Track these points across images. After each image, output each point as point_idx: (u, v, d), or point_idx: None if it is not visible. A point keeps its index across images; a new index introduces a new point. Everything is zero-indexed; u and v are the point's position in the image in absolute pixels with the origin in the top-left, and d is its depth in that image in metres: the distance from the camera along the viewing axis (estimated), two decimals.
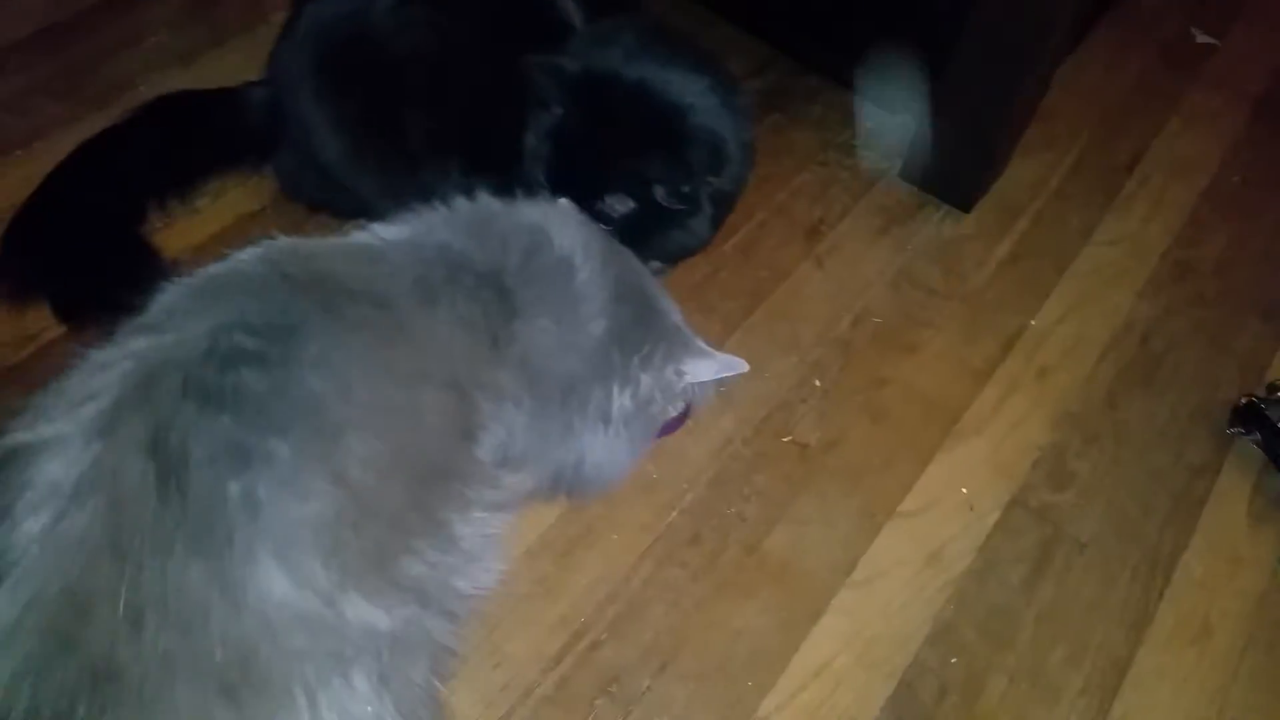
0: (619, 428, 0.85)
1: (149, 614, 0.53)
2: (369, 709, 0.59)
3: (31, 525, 0.55)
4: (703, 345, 0.90)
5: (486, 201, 0.85)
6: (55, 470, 0.56)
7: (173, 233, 1.18)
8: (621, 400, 0.84)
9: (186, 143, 1.16)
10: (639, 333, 0.85)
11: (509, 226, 0.83)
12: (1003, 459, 1.13)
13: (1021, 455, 1.13)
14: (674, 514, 1.04)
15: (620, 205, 0.97)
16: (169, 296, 0.67)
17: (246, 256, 0.70)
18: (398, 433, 0.64)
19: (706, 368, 0.89)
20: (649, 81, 0.96)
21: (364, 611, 0.59)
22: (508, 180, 0.99)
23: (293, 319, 0.62)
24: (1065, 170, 1.47)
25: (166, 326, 0.62)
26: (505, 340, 0.76)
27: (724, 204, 1.06)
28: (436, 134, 1.05)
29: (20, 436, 0.58)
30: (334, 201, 1.19)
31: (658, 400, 0.88)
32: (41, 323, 1.09)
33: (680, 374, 0.88)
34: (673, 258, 1.12)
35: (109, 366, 0.60)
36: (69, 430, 0.57)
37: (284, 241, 0.74)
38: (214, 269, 0.69)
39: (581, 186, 0.96)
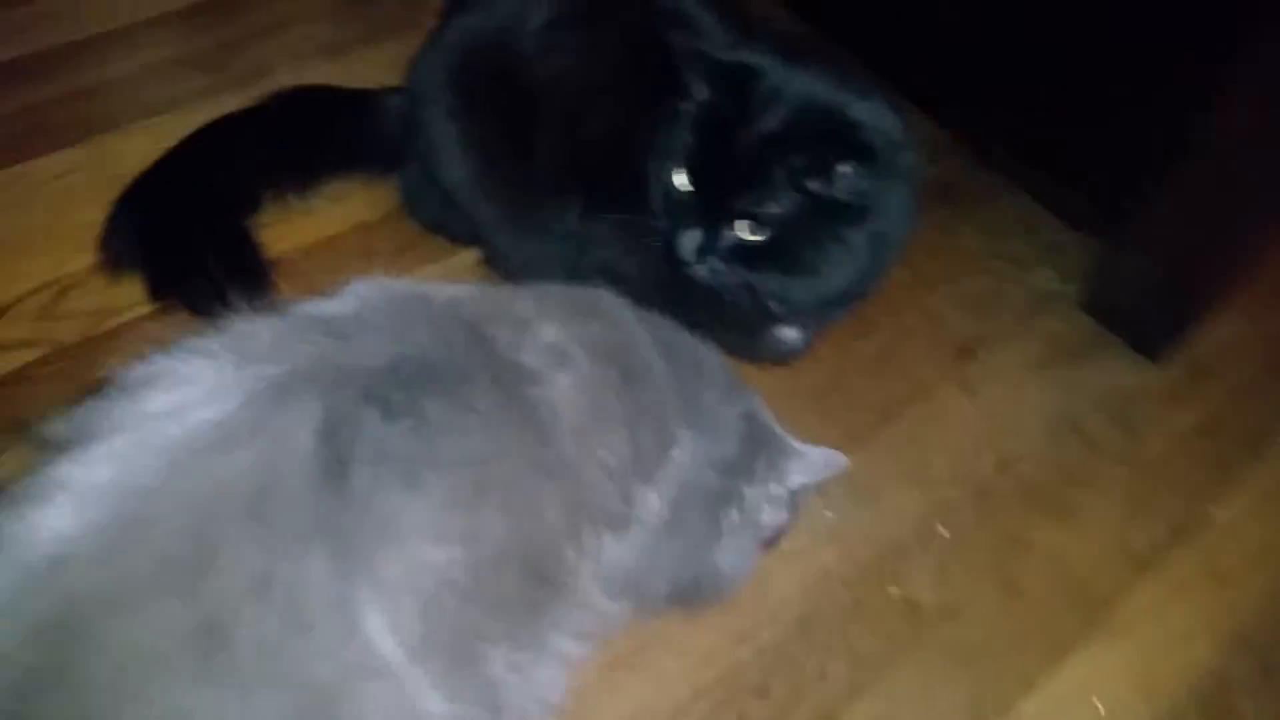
0: (728, 541, 0.80)
1: (273, 591, 0.49)
2: None
3: (166, 428, 0.53)
4: (795, 443, 0.84)
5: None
6: (205, 407, 0.54)
7: (283, 230, 1.12)
8: (730, 517, 0.80)
9: (314, 139, 1.11)
10: (742, 454, 0.81)
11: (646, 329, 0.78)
12: (1153, 674, 0.93)
13: (1177, 675, 0.93)
14: (744, 650, 0.89)
15: (777, 204, 0.84)
16: (351, 304, 0.66)
17: (439, 293, 0.71)
18: (522, 519, 0.62)
19: (805, 470, 0.84)
20: (807, 78, 0.85)
21: (424, 691, 0.55)
22: (630, 221, 0.91)
23: (468, 369, 0.62)
24: (1275, 339, 1.25)
25: (351, 332, 0.62)
26: (658, 452, 0.73)
27: (886, 242, 0.91)
28: (565, 166, 0.95)
29: (166, 363, 0.58)
30: (450, 225, 1.11)
31: (765, 510, 0.83)
32: (133, 298, 1.04)
33: (782, 483, 0.83)
34: (819, 298, 0.94)
35: (283, 344, 0.60)
36: (229, 376, 0.56)
37: (476, 290, 0.75)
38: (401, 289, 0.70)
39: (729, 182, 0.84)
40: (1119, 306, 1.20)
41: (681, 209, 0.87)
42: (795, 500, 0.85)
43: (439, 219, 1.12)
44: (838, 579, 0.95)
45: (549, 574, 0.64)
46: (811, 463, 0.84)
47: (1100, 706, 0.89)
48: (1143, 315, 1.19)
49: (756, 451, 0.81)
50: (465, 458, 0.59)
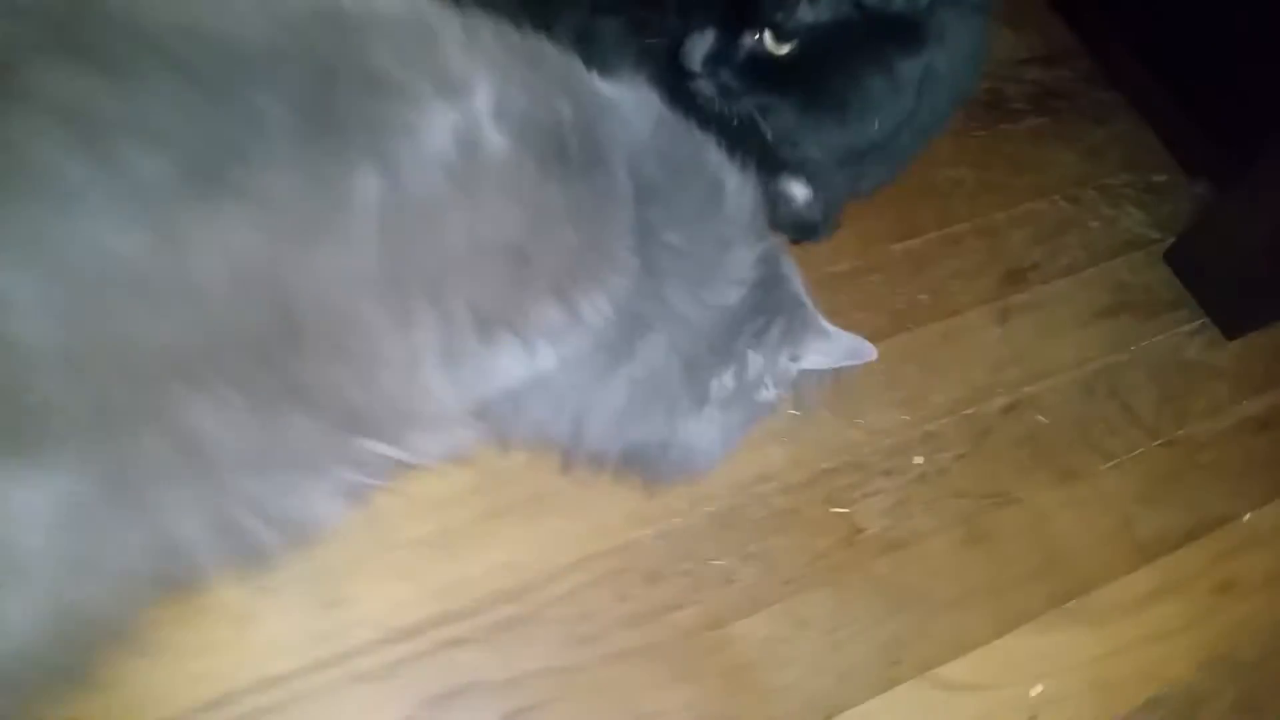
0: (714, 412, 0.67)
1: None
2: None
3: None
4: (825, 323, 0.71)
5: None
6: None
7: None
8: (723, 380, 0.67)
9: None
10: (757, 299, 0.67)
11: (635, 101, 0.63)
12: (1112, 672, 0.79)
13: (1139, 682, 0.79)
14: (647, 531, 0.79)
15: (812, 8, 0.69)
16: None
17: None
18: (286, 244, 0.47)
19: (828, 352, 0.71)
20: None
21: None
22: (644, 18, 0.78)
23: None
24: None
25: None
26: (584, 266, 0.57)
27: (941, 86, 0.75)
28: None
29: None
30: None
31: (766, 386, 0.70)
32: None
33: (796, 358, 0.70)
34: (845, 146, 0.79)
35: None
36: None
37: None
38: None
39: None
40: (1209, 271, 1.02)
41: (697, 4, 0.73)
42: (799, 384, 0.73)
43: None
44: (777, 483, 0.83)
45: (322, 333, 0.49)
46: (835, 345, 0.71)
47: (1038, 690, 0.76)
48: (1233, 286, 1.00)
49: (773, 313, 0.68)
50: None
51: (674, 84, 0.75)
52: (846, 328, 0.91)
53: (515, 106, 0.51)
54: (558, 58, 0.58)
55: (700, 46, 0.72)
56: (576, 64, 0.60)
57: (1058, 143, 1.11)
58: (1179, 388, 0.98)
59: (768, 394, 0.70)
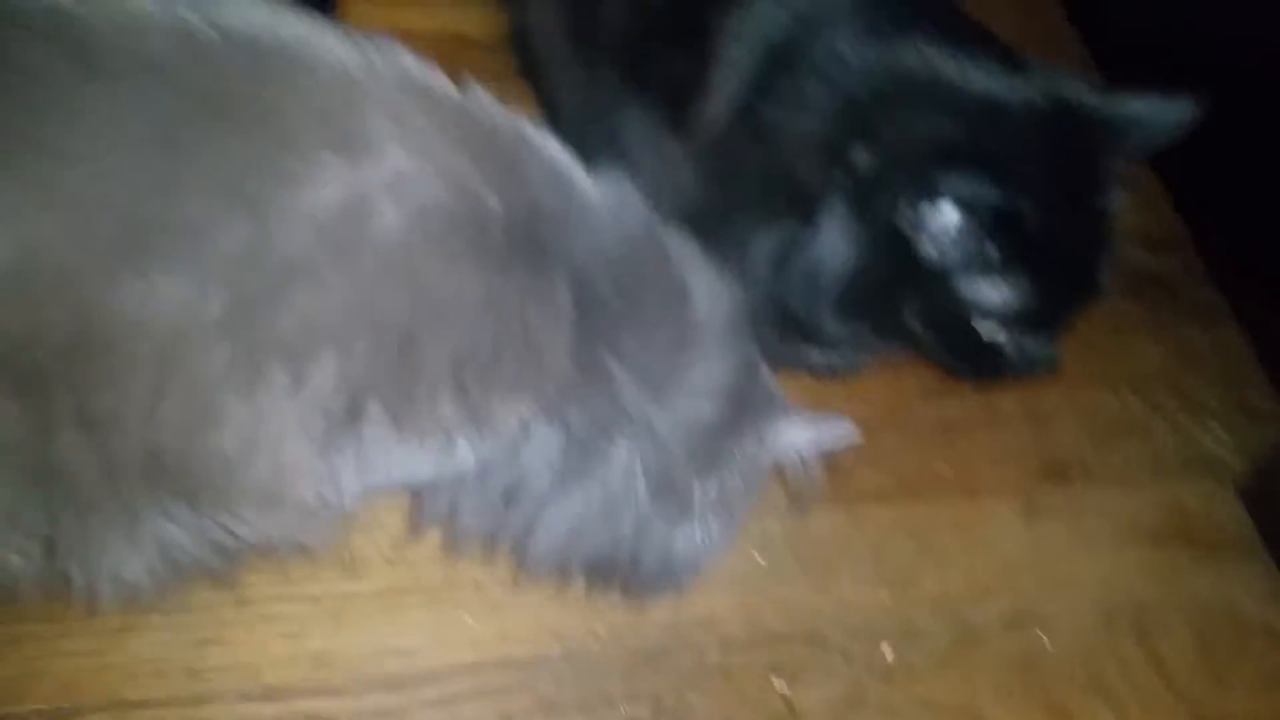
0: (695, 521, 0.64)
1: None
2: None
3: None
4: (800, 413, 0.66)
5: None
6: None
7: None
8: (705, 488, 0.63)
9: None
10: (735, 409, 0.63)
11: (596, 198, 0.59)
12: None
13: None
14: (556, 650, 0.73)
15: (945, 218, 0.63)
16: None
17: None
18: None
19: (798, 433, 0.65)
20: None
21: None
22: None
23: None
24: None
25: None
26: (569, 343, 0.55)
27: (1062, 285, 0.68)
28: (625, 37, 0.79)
29: None
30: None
31: (742, 483, 0.65)
32: None
33: (761, 442, 0.64)
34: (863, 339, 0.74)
35: None
36: None
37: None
38: None
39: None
40: None
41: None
42: (764, 470, 0.67)
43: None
44: (719, 633, 0.76)
45: (133, 360, 0.44)
46: (810, 429, 0.65)
47: None
48: None
49: (753, 420, 0.64)
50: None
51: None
52: (844, 481, 0.85)
53: (422, 187, 0.48)
54: (517, 146, 0.55)
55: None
56: (547, 157, 0.57)
57: (1144, 334, 1.01)
58: (1225, 647, 0.85)
59: (745, 490, 0.66)
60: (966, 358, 0.70)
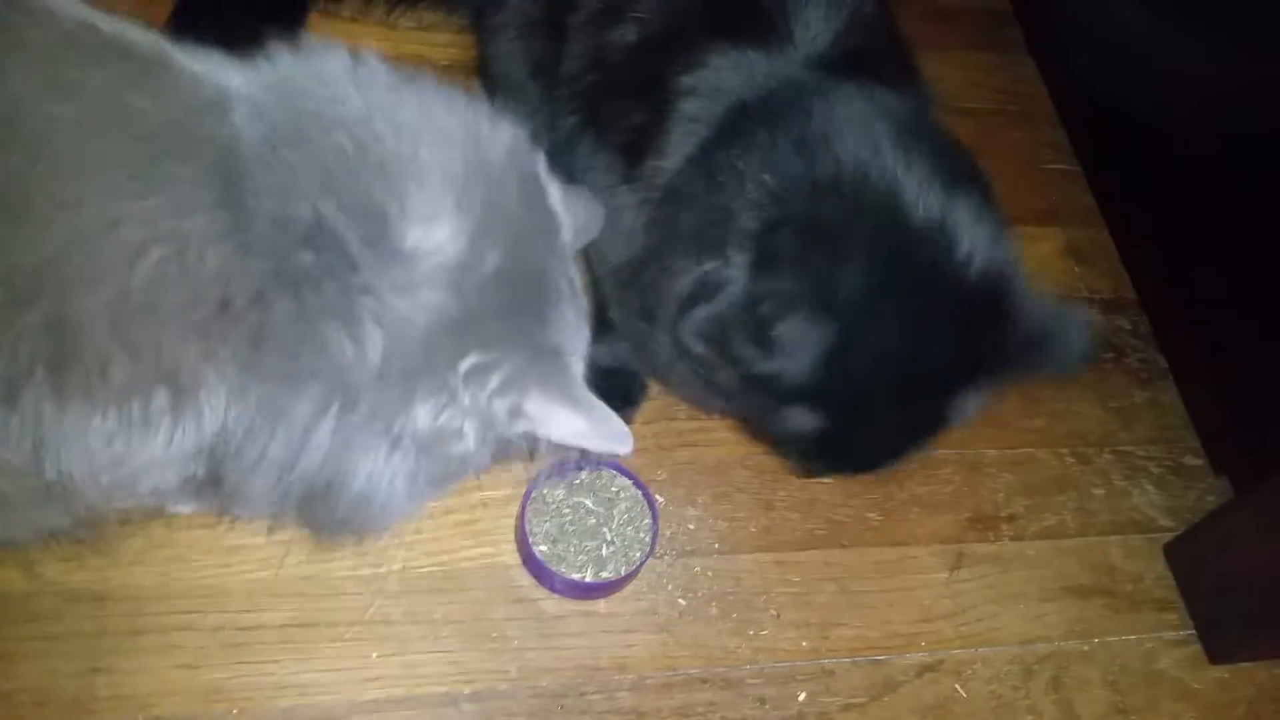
0: (404, 454, 0.54)
1: None
2: None
3: None
4: (580, 393, 0.56)
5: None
6: None
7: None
8: (420, 414, 0.53)
9: None
10: (488, 329, 0.53)
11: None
12: None
13: None
14: (464, 690, 0.72)
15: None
16: None
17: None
18: None
19: (566, 423, 0.55)
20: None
21: None
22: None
23: None
24: None
25: None
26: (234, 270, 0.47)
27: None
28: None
29: None
30: None
31: (467, 438, 0.55)
32: None
33: (517, 414, 0.54)
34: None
35: None
36: None
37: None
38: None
39: None
40: (1208, 580, 0.90)
41: None
42: (517, 450, 0.58)
43: None
44: (633, 675, 0.76)
45: None
46: (580, 422, 0.55)
47: None
48: (1231, 604, 0.88)
49: (506, 351, 0.54)
50: None
51: None
52: (773, 525, 0.85)
53: None
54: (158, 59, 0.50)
55: None
56: (189, 70, 0.51)
57: (1087, 393, 1.01)
58: (1137, 701, 0.86)
59: (467, 448, 0.55)
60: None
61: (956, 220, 0.61)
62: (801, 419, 0.62)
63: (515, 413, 0.54)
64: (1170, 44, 1.05)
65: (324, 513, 0.55)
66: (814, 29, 0.68)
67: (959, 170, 0.64)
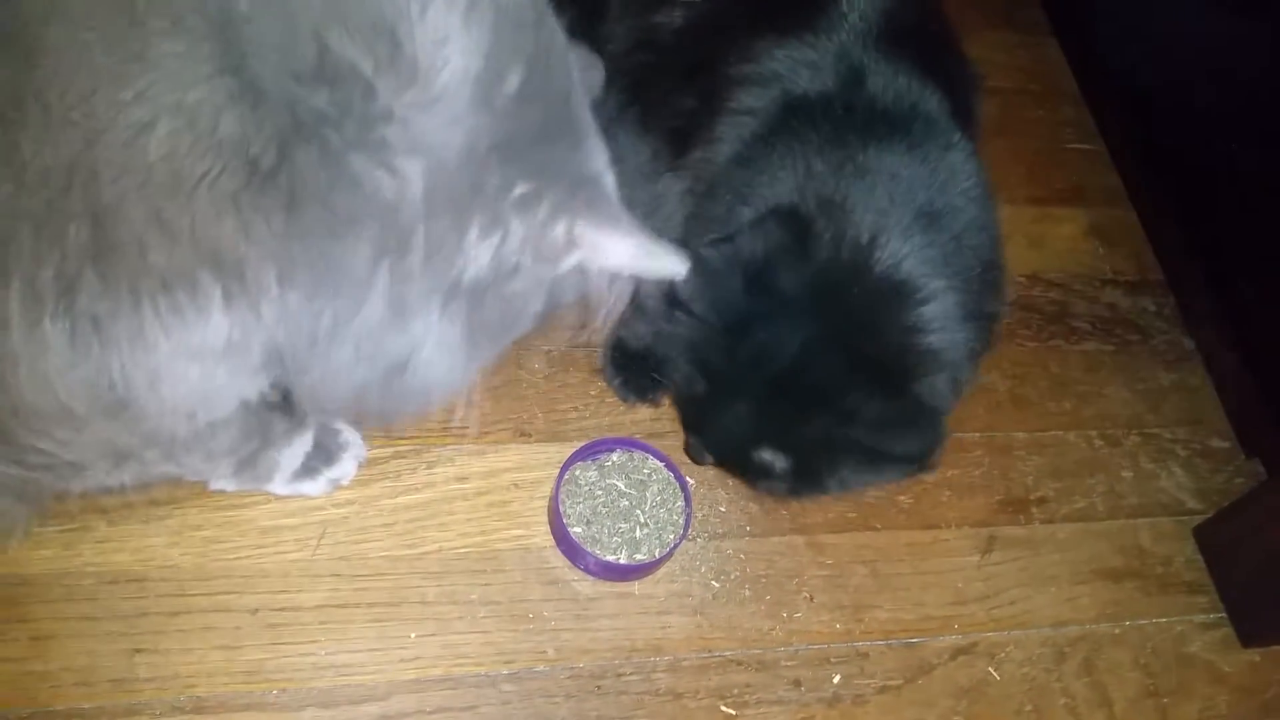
0: (463, 302, 0.50)
1: None
2: None
3: None
4: (628, 219, 0.53)
5: None
6: None
7: None
8: (478, 250, 0.49)
9: None
10: (528, 156, 0.50)
11: None
12: None
13: None
14: (502, 671, 0.71)
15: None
16: None
17: None
18: None
19: (621, 247, 0.52)
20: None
21: None
22: None
23: None
24: None
25: None
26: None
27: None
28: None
29: None
30: None
31: (524, 274, 0.51)
32: None
33: (571, 243, 0.51)
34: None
35: None
36: None
37: None
38: None
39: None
40: (1240, 562, 0.89)
41: None
42: (568, 296, 0.55)
43: None
44: (669, 657, 0.75)
45: None
46: (632, 244, 0.52)
47: None
48: (1264, 587, 0.87)
49: (553, 179, 0.50)
50: None
51: None
52: (804, 508, 0.84)
53: None
54: None
55: None
56: None
57: (1115, 376, 1.01)
58: (1169, 684, 0.85)
59: (525, 287, 0.52)
60: None
61: (915, 304, 0.62)
62: (690, 378, 0.64)
63: (569, 241, 0.50)
64: (1199, 19, 1.05)
65: (395, 386, 0.51)
66: (862, 9, 0.67)
67: (967, 258, 0.64)
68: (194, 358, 0.46)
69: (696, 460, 0.74)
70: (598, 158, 0.54)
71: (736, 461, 0.69)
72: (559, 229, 0.50)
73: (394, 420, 0.58)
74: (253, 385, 0.50)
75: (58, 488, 0.54)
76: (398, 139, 0.46)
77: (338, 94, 0.45)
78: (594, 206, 0.51)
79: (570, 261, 0.52)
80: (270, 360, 0.48)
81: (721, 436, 0.67)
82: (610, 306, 0.55)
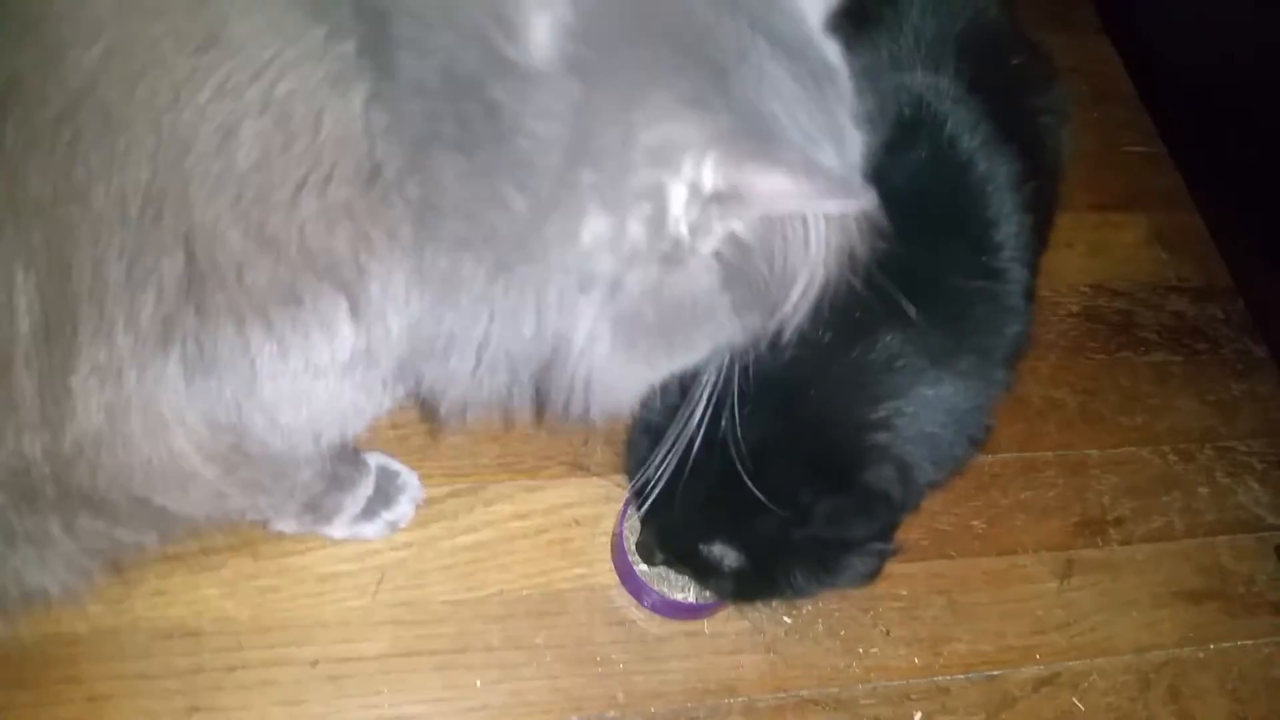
0: (616, 296, 0.41)
1: None
2: None
3: None
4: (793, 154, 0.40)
5: None
6: None
7: None
8: (629, 229, 0.39)
9: None
10: (654, 97, 0.38)
11: None
12: None
13: None
14: (569, 717, 0.68)
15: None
16: None
17: None
18: None
19: (787, 185, 0.38)
20: None
21: None
22: None
23: None
24: None
25: None
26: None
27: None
28: None
29: None
30: None
31: (684, 243, 0.40)
32: None
33: (738, 195, 0.39)
34: None
35: None
36: None
37: None
38: None
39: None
40: None
41: None
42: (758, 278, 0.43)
43: None
44: (743, 698, 0.72)
45: None
46: (808, 177, 0.39)
47: None
48: None
49: (705, 142, 0.38)
50: None
51: None
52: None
53: None
54: None
55: None
56: None
57: (1185, 387, 0.97)
58: (1259, 710, 0.82)
59: (688, 271, 0.41)
60: None
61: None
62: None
63: (736, 194, 0.39)
64: (1261, 10, 1.01)
65: (554, 386, 0.44)
66: (929, 33, 0.64)
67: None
68: (318, 375, 0.41)
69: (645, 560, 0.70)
70: (764, 86, 0.40)
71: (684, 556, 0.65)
72: (721, 183, 0.38)
73: (591, 419, 0.47)
74: (387, 399, 0.46)
75: (147, 545, 0.50)
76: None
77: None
78: (748, 156, 0.38)
79: (731, 226, 0.40)
80: (404, 372, 0.43)
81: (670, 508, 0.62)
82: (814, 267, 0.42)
